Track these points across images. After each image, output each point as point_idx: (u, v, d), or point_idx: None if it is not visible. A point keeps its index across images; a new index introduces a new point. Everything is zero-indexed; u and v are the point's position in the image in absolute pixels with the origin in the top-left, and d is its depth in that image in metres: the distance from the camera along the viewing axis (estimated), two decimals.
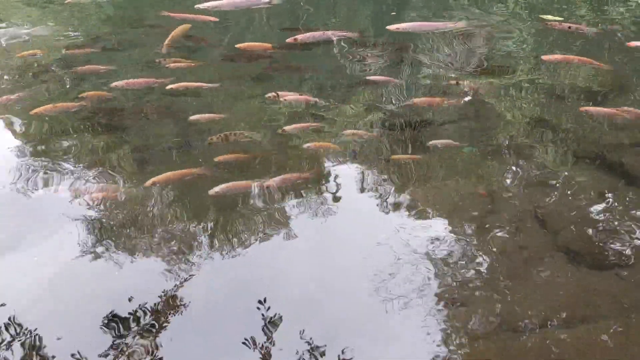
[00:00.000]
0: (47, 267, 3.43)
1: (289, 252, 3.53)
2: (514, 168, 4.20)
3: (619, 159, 4.17)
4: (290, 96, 4.99)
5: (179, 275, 3.32)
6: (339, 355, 2.84)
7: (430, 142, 4.41)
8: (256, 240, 3.60)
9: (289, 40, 5.73)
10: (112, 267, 3.41)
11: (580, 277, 3.23)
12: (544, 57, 5.43)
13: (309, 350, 2.87)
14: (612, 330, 2.89)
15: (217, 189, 3.83)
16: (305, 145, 4.42)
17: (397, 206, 3.88)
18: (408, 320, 3.02)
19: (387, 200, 3.96)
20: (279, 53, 5.91)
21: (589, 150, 4.32)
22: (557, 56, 5.52)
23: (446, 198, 3.95)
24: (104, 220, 3.77)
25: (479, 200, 3.87)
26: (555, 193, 3.93)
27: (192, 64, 5.63)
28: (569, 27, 6.22)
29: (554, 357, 2.79)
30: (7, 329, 3.02)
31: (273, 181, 3.94)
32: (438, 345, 2.89)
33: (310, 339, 2.92)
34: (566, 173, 4.11)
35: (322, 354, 2.85)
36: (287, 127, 4.57)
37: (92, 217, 3.78)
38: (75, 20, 7.55)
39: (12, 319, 3.06)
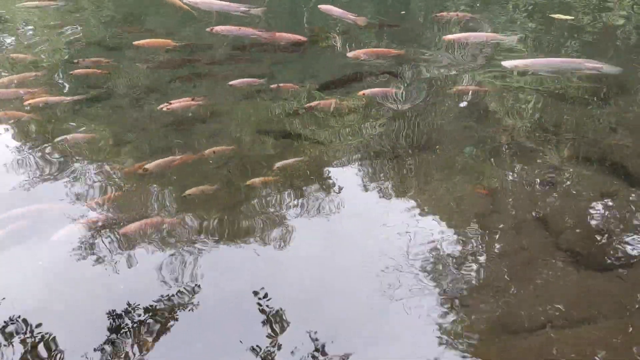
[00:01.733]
0: (48, 267, 3.44)
1: (290, 252, 3.53)
2: (515, 168, 4.19)
3: (620, 160, 4.16)
4: (177, 104, 4.76)
5: (179, 275, 3.33)
6: (339, 355, 2.84)
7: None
8: (257, 240, 3.60)
9: (207, 29, 5.72)
10: (112, 266, 3.42)
11: (582, 278, 3.22)
12: (348, 54, 5.43)
13: (308, 350, 2.87)
14: (613, 331, 2.89)
15: (62, 232, 3.58)
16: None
17: (398, 206, 3.87)
18: (408, 321, 3.02)
19: (389, 200, 3.95)
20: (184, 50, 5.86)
21: (591, 151, 4.31)
22: (360, 51, 5.52)
23: (447, 198, 3.94)
24: (105, 219, 3.78)
25: (480, 201, 3.86)
26: (557, 194, 3.92)
27: (101, 71, 5.45)
28: (457, 15, 6.55)
29: (554, 358, 2.78)
30: (8, 328, 3.03)
31: (128, 228, 3.59)
32: (438, 346, 2.88)
33: (311, 338, 2.92)
34: (568, 174, 4.10)
35: (322, 354, 2.85)
36: (149, 165, 4.12)
37: (93, 217, 3.80)
38: (74, 21, 7.57)
39: (13, 318, 3.08)
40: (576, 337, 2.88)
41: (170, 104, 4.74)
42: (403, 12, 7.69)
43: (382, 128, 4.77)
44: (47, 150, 4.54)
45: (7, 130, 4.87)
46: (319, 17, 7.08)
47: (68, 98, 5.08)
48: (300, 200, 3.92)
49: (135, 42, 5.68)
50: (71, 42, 6.73)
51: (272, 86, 5.14)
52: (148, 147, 4.55)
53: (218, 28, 5.70)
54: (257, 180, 3.98)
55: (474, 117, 4.91)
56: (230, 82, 5.15)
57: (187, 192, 3.86)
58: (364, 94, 4.96)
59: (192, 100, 4.84)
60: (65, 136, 4.56)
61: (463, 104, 5.13)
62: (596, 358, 2.78)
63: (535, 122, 4.76)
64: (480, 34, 6.12)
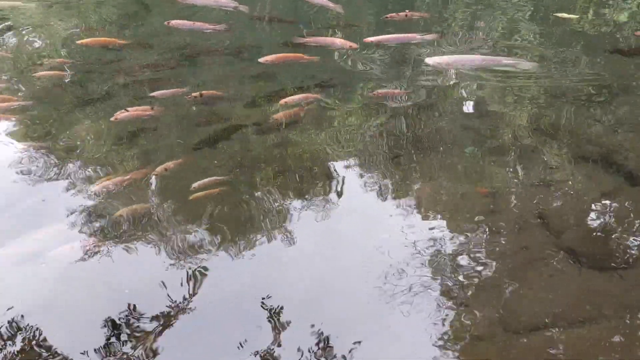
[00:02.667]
0: (51, 264, 3.45)
1: (290, 252, 3.52)
2: (516, 168, 4.18)
3: (622, 160, 4.15)
4: (127, 113, 4.57)
5: (181, 275, 3.32)
6: (339, 355, 2.84)
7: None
8: (257, 239, 3.60)
9: (165, 23, 5.69)
10: (113, 267, 3.43)
11: (583, 277, 3.22)
12: (260, 60, 5.24)
13: (309, 350, 2.87)
14: (614, 331, 2.88)
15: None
16: None
17: (399, 206, 3.87)
18: (409, 321, 3.01)
19: (389, 200, 3.95)
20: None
21: (592, 150, 4.30)
22: (272, 57, 5.31)
23: (448, 198, 3.93)
24: (107, 217, 3.79)
25: (480, 201, 3.85)
26: (558, 193, 3.91)
27: (65, 73, 5.32)
28: (406, 15, 6.40)
29: (555, 357, 2.78)
30: (9, 327, 3.04)
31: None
32: (439, 346, 2.88)
33: (311, 338, 2.92)
34: (569, 173, 4.10)
35: (323, 353, 2.85)
36: (94, 188, 4.00)
37: (96, 214, 3.81)
38: (75, 19, 7.58)
39: (14, 317, 3.08)
40: (577, 337, 2.87)
41: (127, 110, 4.56)
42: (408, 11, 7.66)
43: (383, 127, 4.77)
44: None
45: None
46: (320, 12, 7.08)
47: (15, 103, 4.87)
48: (300, 200, 3.92)
49: (79, 41, 5.56)
50: (68, 41, 6.73)
51: (194, 94, 4.89)
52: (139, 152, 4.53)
53: (173, 22, 5.70)
54: (200, 194, 3.89)
55: (474, 116, 4.91)
56: (153, 93, 4.92)
57: (118, 213, 3.70)
58: (285, 102, 4.84)
59: (150, 109, 4.66)
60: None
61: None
62: (597, 358, 2.77)
63: (537, 121, 4.75)
64: (400, 35, 6.00)
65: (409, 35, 5.90)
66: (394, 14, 6.38)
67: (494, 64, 5.37)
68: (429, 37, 5.91)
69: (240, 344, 2.90)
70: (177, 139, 4.64)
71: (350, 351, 2.86)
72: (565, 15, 6.74)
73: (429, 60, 5.19)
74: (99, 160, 4.39)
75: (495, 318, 2.99)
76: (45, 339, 2.96)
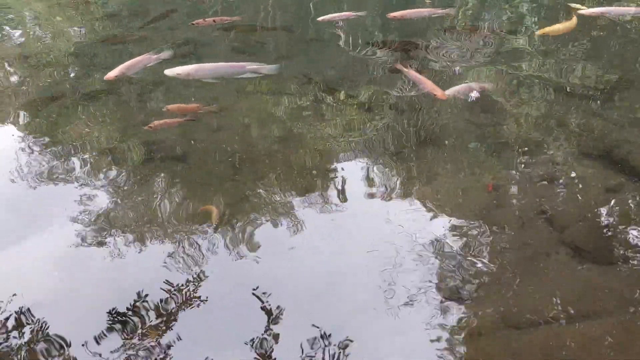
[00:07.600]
0: (56, 259, 3.48)
1: (293, 248, 3.54)
2: (520, 164, 4.18)
3: (625, 155, 4.14)
4: None
5: (185, 270, 3.34)
6: (342, 349, 2.86)
7: None
8: (261, 235, 3.62)
9: None
10: (117, 260, 3.45)
11: (586, 273, 3.22)
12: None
13: (313, 345, 2.89)
14: (617, 327, 2.88)
15: None
16: None
17: (402, 201, 3.87)
18: (412, 316, 3.02)
19: (393, 195, 3.95)
20: None
21: (596, 146, 4.29)
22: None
23: (451, 193, 3.94)
24: (111, 212, 3.81)
25: (484, 196, 3.86)
26: (562, 189, 3.91)
27: None
28: (214, 21, 6.13)
29: (558, 353, 2.78)
30: (15, 319, 3.07)
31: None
32: (442, 341, 2.89)
33: (315, 333, 2.93)
34: (573, 169, 4.09)
35: (327, 349, 2.86)
36: None
37: (99, 208, 3.83)
38: (79, 17, 7.61)
39: (20, 309, 3.12)
40: (579, 332, 2.88)
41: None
42: (428, 1, 7.60)
43: (387, 123, 4.78)
44: None
45: None
46: (326, 8, 7.08)
47: None
48: (305, 196, 3.93)
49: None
50: (75, 38, 6.78)
51: None
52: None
53: None
54: None
55: (478, 112, 4.90)
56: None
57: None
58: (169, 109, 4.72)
59: None
60: None
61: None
62: (599, 353, 2.78)
63: (541, 117, 4.74)
64: (137, 58, 5.44)
65: (144, 57, 5.35)
66: (200, 20, 5.96)
67: (238, 71, 5.05)
68: (163, 55, 5.40)
69: (245, 338, 2.92)
70: None
71: (355, 346, 2.87)
72: (578, 5, 6.61)
73: (168, 71, 4.91)
74: None
75: (498, 313, 3.00)
76: (49, 331, 2.99)
